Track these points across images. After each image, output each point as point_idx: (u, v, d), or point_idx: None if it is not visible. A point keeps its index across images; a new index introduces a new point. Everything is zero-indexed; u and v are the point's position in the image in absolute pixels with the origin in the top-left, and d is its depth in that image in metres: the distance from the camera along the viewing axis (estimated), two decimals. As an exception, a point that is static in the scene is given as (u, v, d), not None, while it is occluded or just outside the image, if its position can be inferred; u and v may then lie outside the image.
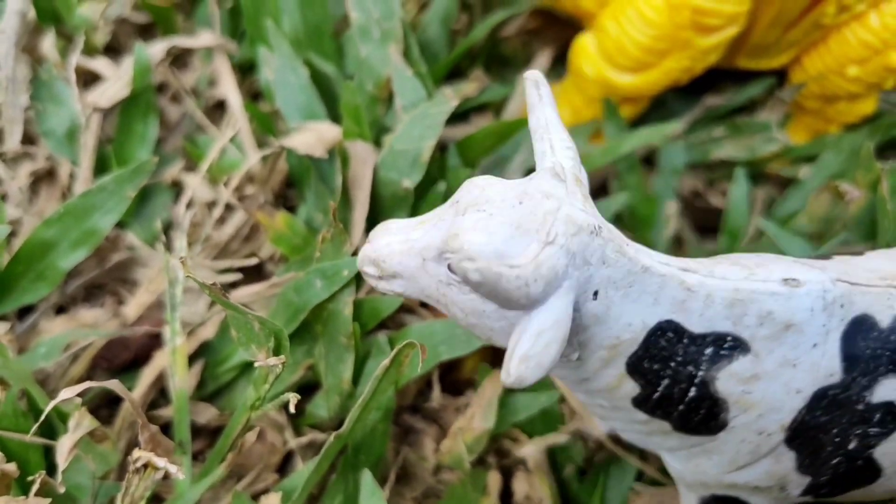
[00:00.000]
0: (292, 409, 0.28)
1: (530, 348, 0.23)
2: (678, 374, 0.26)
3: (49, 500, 0.30)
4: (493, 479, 0.38)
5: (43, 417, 0.30)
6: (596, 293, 0.24)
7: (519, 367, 0.22)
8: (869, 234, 0.48)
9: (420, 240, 0.25)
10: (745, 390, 0.26)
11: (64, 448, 0.29)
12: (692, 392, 0.26)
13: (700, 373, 0.26)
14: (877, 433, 0.27)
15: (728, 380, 0.26)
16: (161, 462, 0.28)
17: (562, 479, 0.38)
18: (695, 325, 0.25)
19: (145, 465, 0.29)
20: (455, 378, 0.42)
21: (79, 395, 0.32)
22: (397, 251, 0.25)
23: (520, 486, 0.37)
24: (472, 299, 0.24)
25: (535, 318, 0.23)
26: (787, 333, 0.25)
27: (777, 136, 0.52)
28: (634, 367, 0.26)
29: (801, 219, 0.48)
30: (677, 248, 0.50)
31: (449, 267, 0.24)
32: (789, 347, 0.26)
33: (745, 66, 0.52)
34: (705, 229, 0.52)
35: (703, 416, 0.26)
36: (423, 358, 0.28)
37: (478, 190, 0.24)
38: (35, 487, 0.30)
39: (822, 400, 0.26)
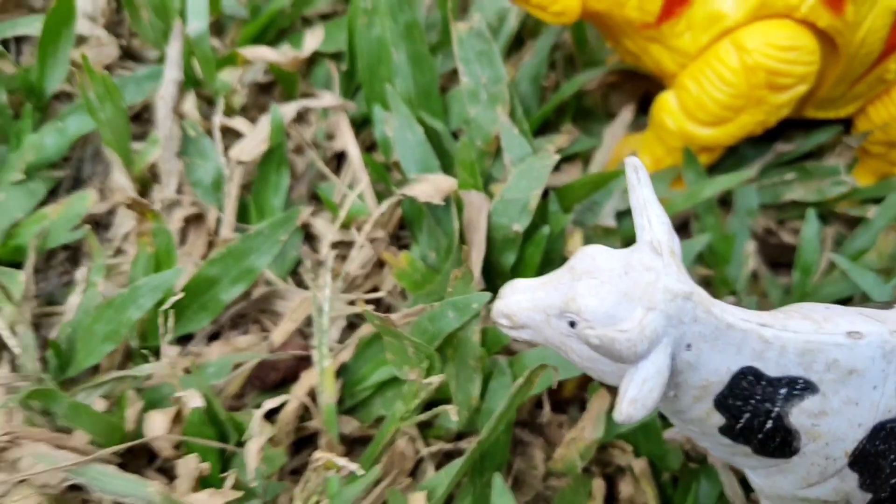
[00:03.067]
0: (454, 418, 0.34)
1: (637, 393, 0.28)
2: (757, 409, 0.30)
3: (242, 492, 0.36)
4: (598, 485, 0.43)
5: (250, 428, 0.36)
6: (689, 345, 0.29)
7: (628, 408, 0.28)
8: (934, 270, 0.52)
9: (544, 299, 0.31)
10: (814, 423, 0.30)
11: (253, 450, 0.36)
12: (769, 424, 0.31)
13: (776, 409, 0.30)
14: None
15: (799, 415, 0.30)
16: (342, 461, 0.34)
17: (660, 485, 0.43)
18: (771, 371, 0.30)
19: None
20: (558, 397, 0.47)
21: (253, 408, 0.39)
22: (526, 307, 0.31)
23: (625, 489, 0.42)
24: (589, 349, 0.30)
25: (641, 368, 0.28)
26: (851, 377, 0.30)
27: (845, 179, 0.56)
28: (721, 403, 0.31)
29: (870, 255, 0.53)
30: (754, 282, 0.54)
31: (571, 324, 0.30)
32: (852, 389, 0.30)
33: (814, 116, 0.57)
34: (778, 265, 0.57)
35: (778, 443, 0.31)
36: (557, 376, 0.34)
37: (589, 259, 0.30)
38: (230, 482, 0.36)
39: (881, 431, 0.30)
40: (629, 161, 0.32)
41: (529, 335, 0.32)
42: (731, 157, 0.59)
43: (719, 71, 0.49)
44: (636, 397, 0.28)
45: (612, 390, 0.44)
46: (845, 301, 0.52)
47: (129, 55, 0.67)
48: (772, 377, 0.30)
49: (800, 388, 0.30)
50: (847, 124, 0.59)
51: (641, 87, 0.62)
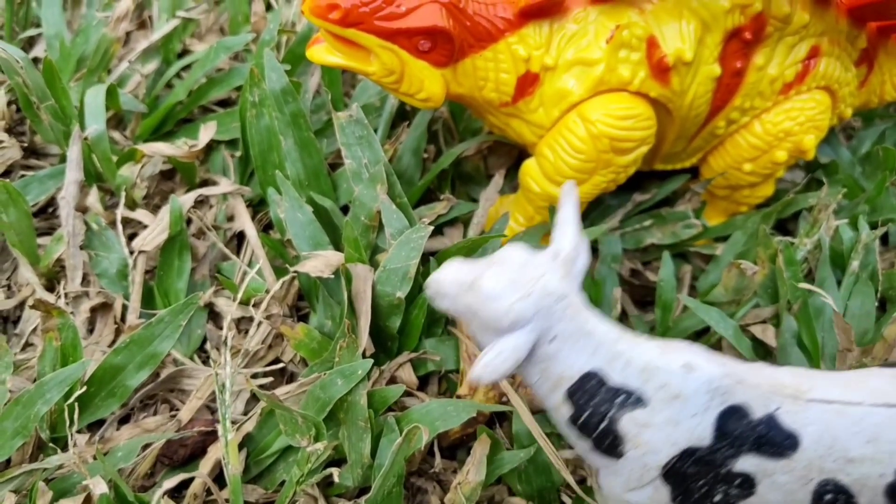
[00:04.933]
0: (336, 479, 0.38)
1: (491, 359, 0.35)
2: (596, 409, 0.36)
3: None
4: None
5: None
6: (553, 339, 0.36)
7: (481, 370, 0.35)
8: (773, 298, 0.59)
9: (461, 276, 0.37)
10: (638, 432, 0.36)
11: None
12: (603, 424, 0.36)
13: (611, 412, 0.36)
14: (736, 494, 0.36)
15: (628, 422, 0.36)
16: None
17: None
18: (615, 379, 0.36)
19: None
20: (449, 441, 0.52)
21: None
22: (448, 280, 0.38)
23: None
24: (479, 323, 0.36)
25: (501, 340, 0.35)
26: (676, 401, 0.36)
27: (694, 222, 0.63)
28: (570, 396, 0.37)
29: (718, 290, 0.60)
30: (623, 321, 0.60)
31: None
32: (675, 411, 0.35)
33: (663, 168, 0.64)
34: (645, 303, 0.63)
35: (609, 443, 0.37)
36: (426, 437, 0.39)
37: (506, 253, 0.37)
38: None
39: (692, 455, 0.35)
40: (566, 185, 0.40)
41: (448, 303, 0.38)
42: (596, 208, 0.65)
43: (570, 140, 0.55)
44: (489, 363, 0.35)
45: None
46: (701, 333, 0.58)
47: (32, 152, 0.70)
48: (614, 384, 0.36)
49: (634, 399, 0.36)
50: (695, 172, 0.66)
51: (516, 150, 0.69)
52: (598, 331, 0.36)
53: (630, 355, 0.36)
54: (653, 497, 0.37)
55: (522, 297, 0.35)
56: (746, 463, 0.35)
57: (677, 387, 0.35)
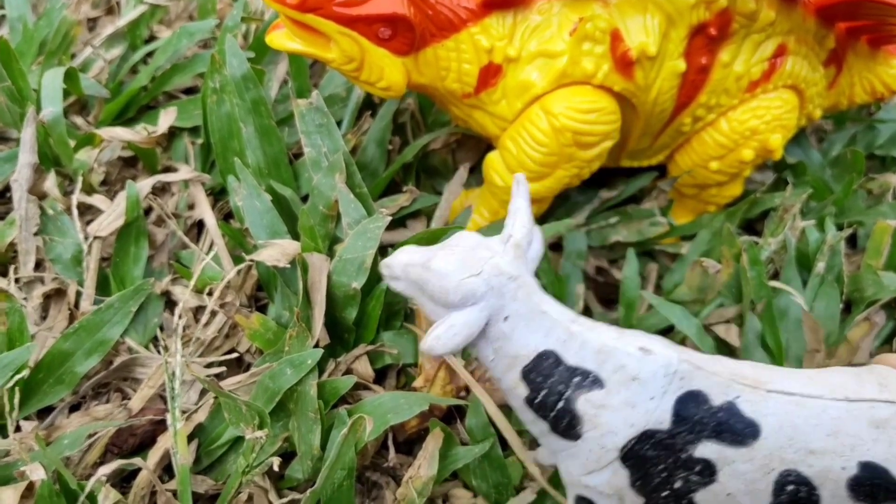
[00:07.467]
0: (276, 469, 0.37)
1: (442, 332, 0.35)
2: (553, 388, 0.36)
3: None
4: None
5: (86, 493, 0.38)
6: (507, 318, 0.36)
7: (431, 341, 0.35)
8: (737, 298, 0.59)
9: (414, 258, 0.38)
10: (595, 413, 0.35)
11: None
12: (560, 404, 0.36)
13: (567, 392, 0.36)
14: (697, 481, 0.35)
15: (585, 403, 0.36)
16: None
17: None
18: (570, 359, 0.36)
19: (161, 525, 0.38)
20: (406, 436, 0.51)
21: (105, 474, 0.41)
22: (402, 262, 0.38)
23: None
24: (431, 302, 0.37)
25: (453, 315, 0.36)
26: (633, 383, 0.35)
27: (660, 220, 0.63)
28: (526, 375, 0.36)
29: (682, 288, 0.59)
30: (586, 317, 0.60)
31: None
32: (632, 393, 0.35)
33: (630, 165, 0.64)
34: (610, 301, 0.62)
35: (566, 424, 0.36)
36: (371, 427, 0.38)
37: (458, 238, 0.38)
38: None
39: (650, 438, 0.35)
40: (517, 176, 0.40)
41: (402, 286, 0.39)
42: (563, 204, 0.65)
43: (533, 133, 0.54)
44: (440, 335, 0.35)
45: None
46: (665, 332, 0.58)
47: (-8, 135, 0.69)
48: (570, 364, 0.36)
49: (590, 380, 0.36)
50: (662, 169, 0.66)
51: (484, 143, 0.68)
52: (552, 312, 0.36)
53: (586, 337, 0.36)
54: (611, 481, 0.37)
55: (472, 275, 0.35)
56: (706, 449, 0.35)
57: (634, 369, 0.35)
